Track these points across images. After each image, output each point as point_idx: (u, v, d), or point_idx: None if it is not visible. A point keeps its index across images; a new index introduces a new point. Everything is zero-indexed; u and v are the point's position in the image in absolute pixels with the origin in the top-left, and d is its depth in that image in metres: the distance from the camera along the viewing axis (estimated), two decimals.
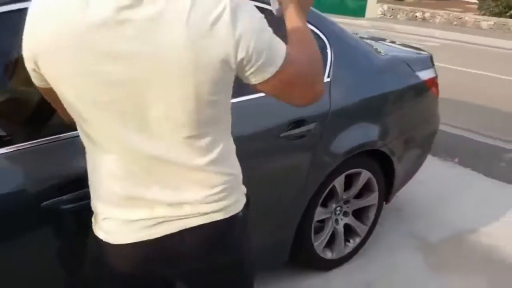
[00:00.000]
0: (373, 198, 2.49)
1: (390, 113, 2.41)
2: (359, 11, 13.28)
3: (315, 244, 2.29)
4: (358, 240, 2.52)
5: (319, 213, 2.26)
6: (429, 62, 2.75)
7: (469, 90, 6.53)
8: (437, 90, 2.75)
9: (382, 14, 13.61)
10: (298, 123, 1.93)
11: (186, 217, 1.01)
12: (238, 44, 0.87)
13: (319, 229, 2.36)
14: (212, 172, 1.01)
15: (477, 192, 3.46)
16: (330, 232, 2.37)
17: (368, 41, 2.65)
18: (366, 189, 2.48)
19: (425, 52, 2.84)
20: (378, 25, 12.27)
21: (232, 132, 1.09)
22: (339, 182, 2.26)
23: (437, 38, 10.89)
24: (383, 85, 2.36)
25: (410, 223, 3.00)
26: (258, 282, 1.30)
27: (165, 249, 1.03)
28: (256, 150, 1.81)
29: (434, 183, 3.57)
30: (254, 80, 0.94)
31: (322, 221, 2.34)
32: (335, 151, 2.12)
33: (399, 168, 2.52)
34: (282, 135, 1.87)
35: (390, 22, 12.58)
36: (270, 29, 0.94)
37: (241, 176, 1.11)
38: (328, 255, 2.40)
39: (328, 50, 2.12)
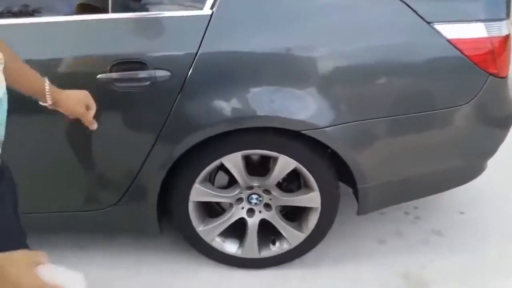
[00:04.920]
0: (310, 199, 1.73)
1: (338, 82, 1.54)
2: None
3: (200, 228, 1.79)
4: (286, 246, 1.84)
5: (203, 194, 1.72)
6: (493, 10, 1.59)
7: None
8: (502, 61, 1.60)
9: None
10: (128, 64, 1.45)
11: None
12: None
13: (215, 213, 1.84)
14: None
15: None
16: (231, 221, 1.80)
17: None
18: (304, 185, 1.75)
19: None
20: None
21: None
22: (233, 162, 1.64)
23: None
24: (322, 35, 1.51)
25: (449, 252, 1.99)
26: None
27: None
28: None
29: None
30: None
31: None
32: (206, 117, 1.53)
33: (371, 167, 1.66)
34: (100, 76, 1.45)
35: None
36: None
37: None
38: (230, 249, 1.85)
39: None
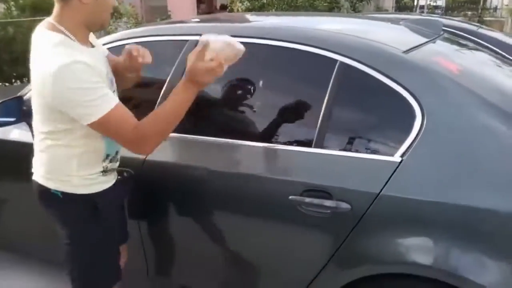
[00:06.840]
0: None
1: None
2: None
3: None
4: None
5: None
6: None
7: None
8: None
9: None
10: (316, 193, 1.67)
11: None
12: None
13: None
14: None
15: None
16: None
17: None
18: None
19: None
20: None
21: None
22: None
23: None
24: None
25: None
26: None
27: None
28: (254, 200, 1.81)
29: None
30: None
31: None
32: (377, 255, 1.60)
33: None
34: (291, 197, 1.70)
35: None
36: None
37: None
38: None
39: (417, 120, 1.60)
